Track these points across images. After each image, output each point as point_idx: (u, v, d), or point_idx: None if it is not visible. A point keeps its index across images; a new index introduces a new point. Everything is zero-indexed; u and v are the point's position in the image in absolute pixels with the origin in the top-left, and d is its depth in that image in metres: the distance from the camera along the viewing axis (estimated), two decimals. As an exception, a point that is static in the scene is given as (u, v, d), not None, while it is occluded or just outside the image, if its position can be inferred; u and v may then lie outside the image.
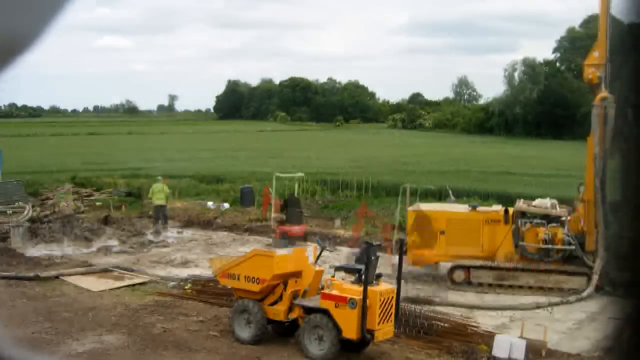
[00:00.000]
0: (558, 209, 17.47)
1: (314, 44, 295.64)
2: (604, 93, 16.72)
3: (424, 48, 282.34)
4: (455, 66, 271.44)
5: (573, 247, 16.79)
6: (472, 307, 15.20)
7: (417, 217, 17.68)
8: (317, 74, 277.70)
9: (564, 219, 17.03)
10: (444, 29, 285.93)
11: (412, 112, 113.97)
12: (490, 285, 16.84)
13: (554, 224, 17.01)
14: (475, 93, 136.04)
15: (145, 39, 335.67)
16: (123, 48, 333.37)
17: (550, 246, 16.80)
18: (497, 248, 17.11)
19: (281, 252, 12.35)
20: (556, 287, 16.48)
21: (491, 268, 16.89)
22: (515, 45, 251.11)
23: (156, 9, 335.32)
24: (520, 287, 16.60)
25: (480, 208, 18.14)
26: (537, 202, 17.92)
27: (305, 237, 18.90)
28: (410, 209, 18.76)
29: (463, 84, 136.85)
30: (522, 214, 17.40)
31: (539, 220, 17.11)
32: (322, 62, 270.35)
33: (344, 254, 19.69)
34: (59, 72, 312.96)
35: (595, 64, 16.95)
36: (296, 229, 19.50)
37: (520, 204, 17.85)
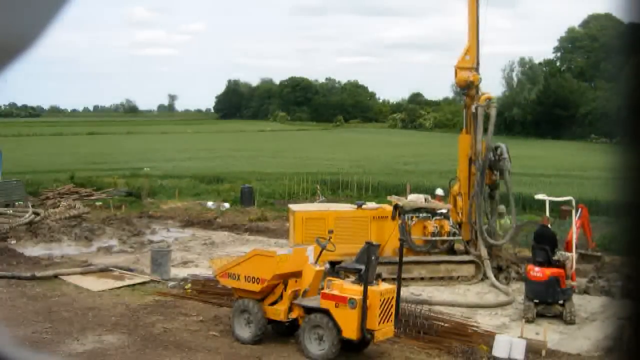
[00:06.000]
0: (430, 203, 18.34)
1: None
2: (488, 94, 18.11)
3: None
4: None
5: (460, 237, 18.10)
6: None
7: (306, 218, 17.70)
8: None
9: (446, 211, 18.02)
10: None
11: (412, 112, 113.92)
12: (384, 279, 16.86)
13: (438, 217, 17.85)
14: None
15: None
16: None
17: (436, 238, 17.70)
18: (385, 243, 17.18)
19: (281, 252, 12.35)
20: (447, 276, 17.42)
21: (381, 263, 16.94)
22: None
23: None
24: (412, 279, 17.05)
25: (365, 205, 18.56)
26: (411, 197, 19.08)
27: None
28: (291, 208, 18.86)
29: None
30: (414, 210, 17.97)
31: (424, 215, 17.88)
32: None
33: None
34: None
35: (467, 67, 18.14)
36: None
37: (392, 198, 18.62)
